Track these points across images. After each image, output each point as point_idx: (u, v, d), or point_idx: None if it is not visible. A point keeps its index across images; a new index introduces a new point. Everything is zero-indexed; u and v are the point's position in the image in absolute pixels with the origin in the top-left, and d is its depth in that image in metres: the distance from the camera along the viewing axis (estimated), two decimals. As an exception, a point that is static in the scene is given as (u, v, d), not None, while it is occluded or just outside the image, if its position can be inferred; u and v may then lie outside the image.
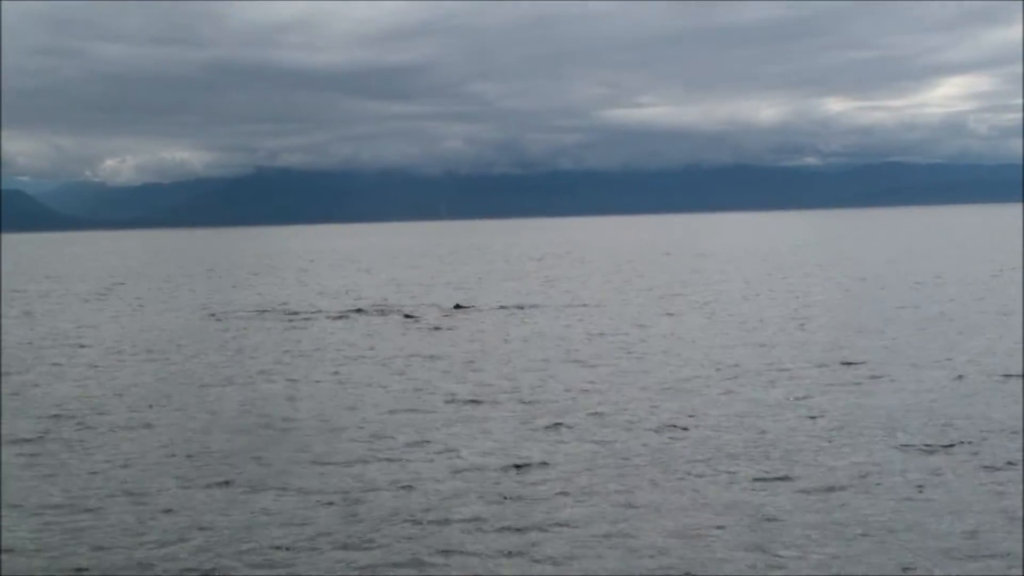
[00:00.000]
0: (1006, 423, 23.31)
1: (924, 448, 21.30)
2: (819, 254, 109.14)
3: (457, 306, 53.55)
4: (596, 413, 25.69)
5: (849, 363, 32.55)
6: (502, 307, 53.99)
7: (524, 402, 27.49)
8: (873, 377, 30.03)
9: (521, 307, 53.62)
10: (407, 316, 50.14)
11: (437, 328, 45.54)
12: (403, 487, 19.27)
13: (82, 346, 42.97)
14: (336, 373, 33.53)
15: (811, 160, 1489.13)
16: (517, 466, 20.55)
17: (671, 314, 49.29)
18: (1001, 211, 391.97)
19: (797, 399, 26.91)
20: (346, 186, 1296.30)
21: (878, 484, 18.70)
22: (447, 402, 27.85)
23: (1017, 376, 29.23)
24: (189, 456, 22.30)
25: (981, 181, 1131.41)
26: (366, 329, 46.19)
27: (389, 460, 21.42)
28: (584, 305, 54.56)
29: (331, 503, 18.34)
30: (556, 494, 18.56)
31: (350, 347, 40.02)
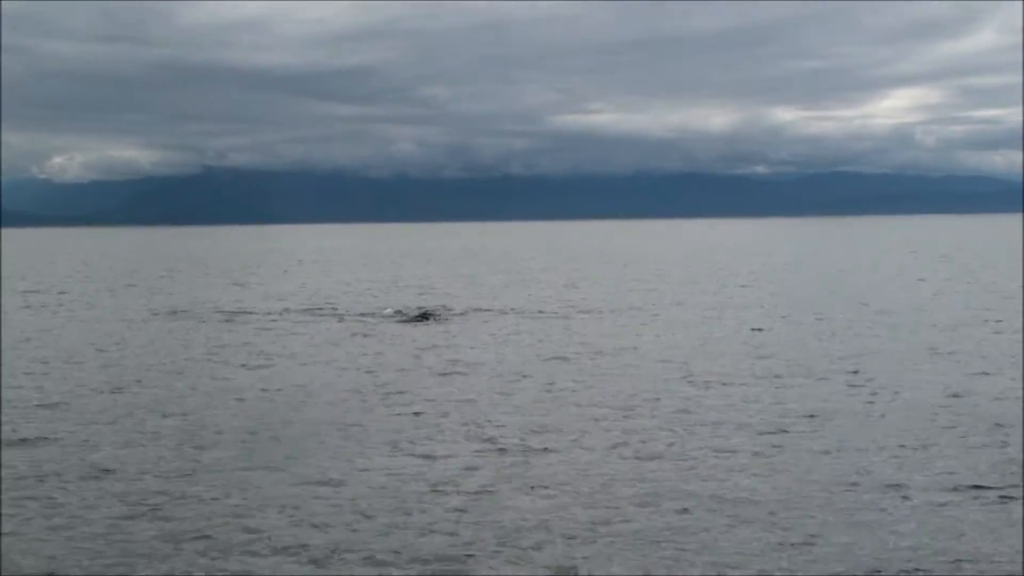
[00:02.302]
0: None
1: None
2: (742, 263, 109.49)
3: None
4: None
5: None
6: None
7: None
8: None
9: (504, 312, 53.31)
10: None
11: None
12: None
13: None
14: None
15: (760, 168, 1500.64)
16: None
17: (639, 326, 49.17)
18: (946, 223, 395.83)
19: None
20: (295, 187, 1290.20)
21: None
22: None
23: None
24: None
25: (927, 192, 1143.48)
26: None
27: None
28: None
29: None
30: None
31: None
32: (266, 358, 36.97)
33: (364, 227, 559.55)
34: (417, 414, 26.22)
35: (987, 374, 31.71)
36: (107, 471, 20.72)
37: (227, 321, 50.27)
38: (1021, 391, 28.54)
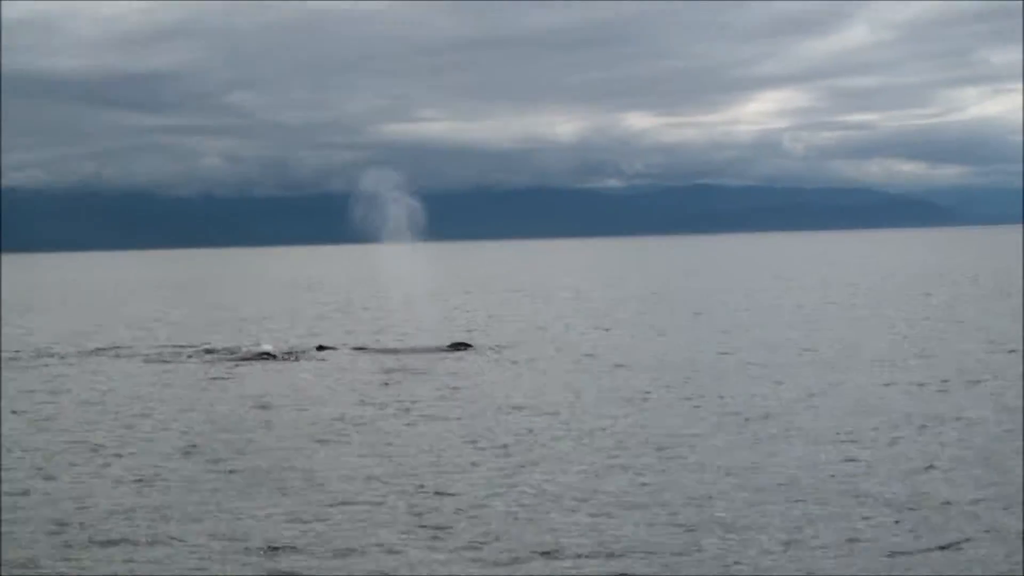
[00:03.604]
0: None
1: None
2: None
3: (320, 347, 51.53)
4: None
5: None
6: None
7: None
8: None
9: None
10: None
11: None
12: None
13: None
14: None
15: (613, 182, 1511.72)
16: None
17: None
18: (818, 240, 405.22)
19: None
20: (86, 209, 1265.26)
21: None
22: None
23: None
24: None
25: (798, 205, 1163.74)
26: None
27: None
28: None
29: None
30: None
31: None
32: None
33: (166, 253, 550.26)
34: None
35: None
36: None
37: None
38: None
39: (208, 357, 49.56)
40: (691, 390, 36.33)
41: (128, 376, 44.02)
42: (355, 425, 31.39)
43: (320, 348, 51.03)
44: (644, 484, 23.13)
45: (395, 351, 50.47)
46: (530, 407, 33.38)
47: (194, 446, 28.74)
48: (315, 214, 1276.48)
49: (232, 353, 50.25)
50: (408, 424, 31.28)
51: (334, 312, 79.83)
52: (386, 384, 39.97)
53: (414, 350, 50.14)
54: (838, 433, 28.19)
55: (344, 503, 22.20)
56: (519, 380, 40.19)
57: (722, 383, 37.81)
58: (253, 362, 47.52)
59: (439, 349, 49.81)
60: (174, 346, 54.64)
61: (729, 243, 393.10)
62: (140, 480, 24.74)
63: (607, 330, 58.90)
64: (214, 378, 42.89)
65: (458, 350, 49.43)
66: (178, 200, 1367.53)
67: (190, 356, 50.34)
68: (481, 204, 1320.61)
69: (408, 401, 35.43)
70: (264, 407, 35.21)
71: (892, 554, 18.26)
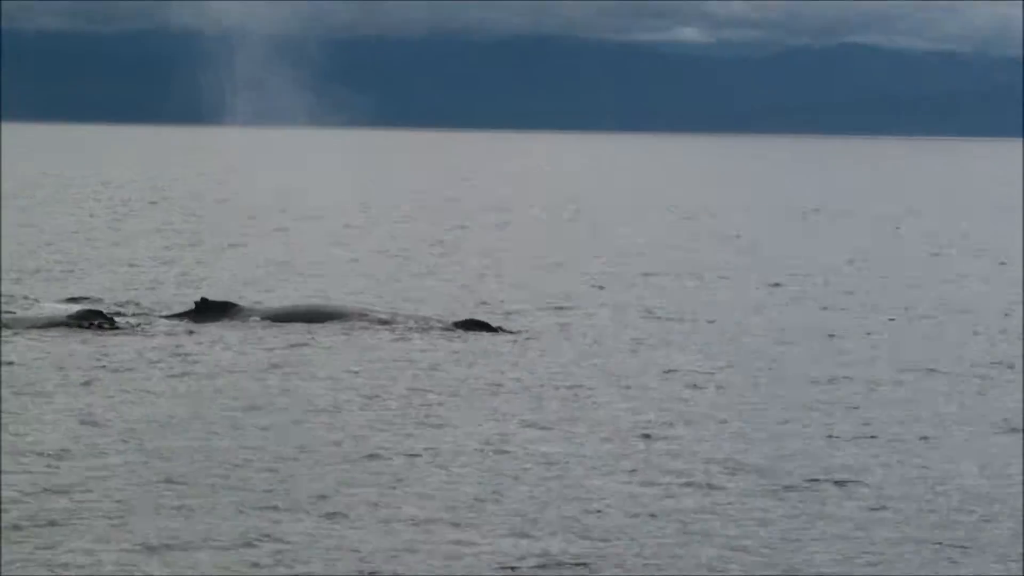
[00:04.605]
0: None
1: None
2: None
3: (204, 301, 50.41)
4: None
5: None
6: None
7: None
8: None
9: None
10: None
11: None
12: None
13: None
14: None
15: (690, 34, 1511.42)
16: None
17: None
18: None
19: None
20: None
21: None
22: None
23: None
24: None
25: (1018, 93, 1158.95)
26: None
27: None
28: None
29: None
30: None
31: None
32: None
33: None
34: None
35: None
36: None
37: None
38: None
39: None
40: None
41: None
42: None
43: (201, 306, 50.14)
44: None
45: (359, 318, 49.71)
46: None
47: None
48: (136, 68, 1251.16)
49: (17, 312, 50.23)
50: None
51: (206, 245, 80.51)
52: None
53: (385, 321, 49.39)
54: None
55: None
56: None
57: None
58: (62, 331, 46.66)
59: (432, 327, 48.94)
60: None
61: (906, 153, 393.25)
62: None
63: (691, 325, 56.68)
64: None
65: (470, 331, 48.38)
66: None
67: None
68: (449, 65, 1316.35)
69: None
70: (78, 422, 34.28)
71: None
